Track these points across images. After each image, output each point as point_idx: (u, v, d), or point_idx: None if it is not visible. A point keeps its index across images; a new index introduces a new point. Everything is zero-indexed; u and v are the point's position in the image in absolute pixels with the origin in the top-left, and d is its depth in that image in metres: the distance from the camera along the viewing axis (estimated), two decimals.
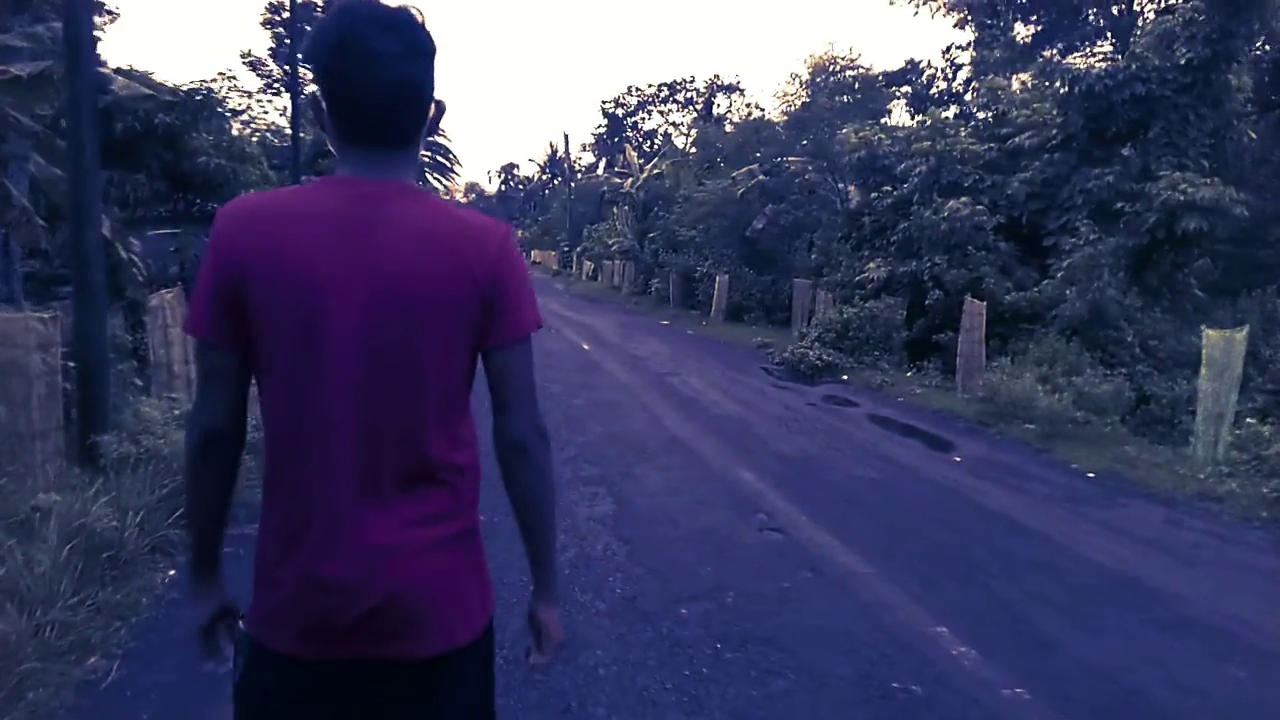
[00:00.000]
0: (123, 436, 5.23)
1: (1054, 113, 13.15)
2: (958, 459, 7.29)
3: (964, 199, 12.75)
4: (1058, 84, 13.01)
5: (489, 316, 1.32)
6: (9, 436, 4.96)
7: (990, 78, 16.32)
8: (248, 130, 22.57)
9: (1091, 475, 6.87)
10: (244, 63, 37.53)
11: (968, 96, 24.36)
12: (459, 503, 1.35)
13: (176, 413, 6.51)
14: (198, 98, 13.12)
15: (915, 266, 12.96)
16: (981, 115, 15.21)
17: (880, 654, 3.46)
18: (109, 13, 18.93)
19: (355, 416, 1.26)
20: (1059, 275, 11.39)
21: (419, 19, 1.31)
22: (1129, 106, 11.84)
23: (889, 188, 14.58)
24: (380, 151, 1.30)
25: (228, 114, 20.91)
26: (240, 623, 1.39)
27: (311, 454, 1.27)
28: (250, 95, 32.72)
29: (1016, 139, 13.84)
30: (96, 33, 19.92)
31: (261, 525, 1.34)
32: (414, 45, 1.28)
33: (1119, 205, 11.67)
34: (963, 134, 14.37)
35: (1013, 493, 6.20)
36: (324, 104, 1.30)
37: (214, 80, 31.55)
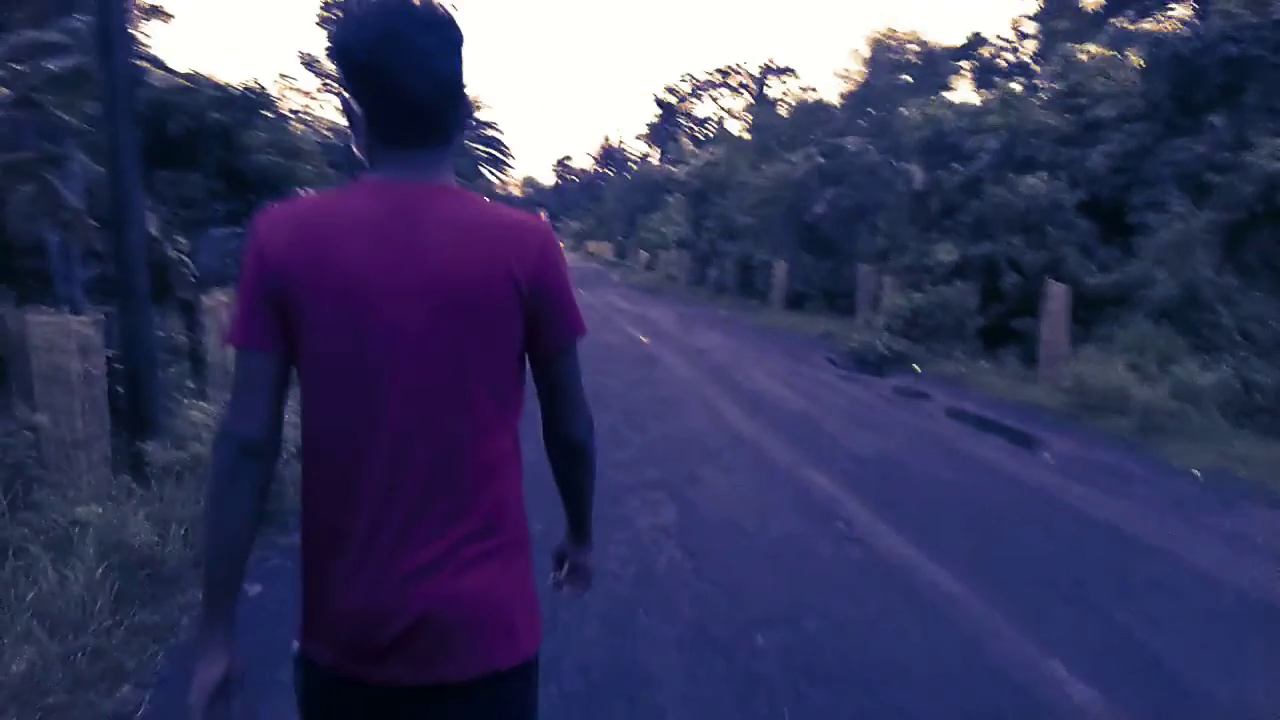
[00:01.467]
0: (168, 444, 5.06)
1: (1135, 80, 12.31)
2: (1048, 457, 6.76)
3: (1040, 175, 12.02)
4: (1132, 52, 12.21)
5: (535, 321, 1.30)
6: (52, 444, 4.81)
7: (1065, 45, 15.40)
8: (307, 129, 22.69)
9: (1199, 475, 6.28)
10: (302, 63, 38.05)
11: (1036, 68, 23.26)
12: (503, 518, 1.31)
13: None
14: (252, 95, 13.11)
15: (989, 248, 12.29)
16: (1054, 86, 14.37)
17: (987, 697, 3.04)
18: (163, 13, 19.11)
19: (400, 424, 1.24)
20: (1147, 255, 10.64)
21: (452, 14, 1.29)
22: (1219, 70, 10.97)
23: (957, 166, 13.88)
24: (421, 151, 1.28)
25: (288, 115, 21.05)
26: (295, 643, 1.34)
27: (352, 464, 1.25)
28: (310, 95, 33.11)
29: (1094, 110, 13.02)
30: (147, 31, 20.17)
31: (302, 539, 1.32)
32: (453, 41, 1.27)
33: (1211, 178, 10.84)
34: (1035, 106, 13.59)
35: (1114, 496, 5.66)
36: (359, 105, 1.27)
37: (274, 81, 31.95)
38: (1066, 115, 13.21)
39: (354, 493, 1.25)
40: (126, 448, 5.13)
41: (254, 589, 4.09)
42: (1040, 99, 14.06)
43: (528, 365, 1.37)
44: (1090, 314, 10.86)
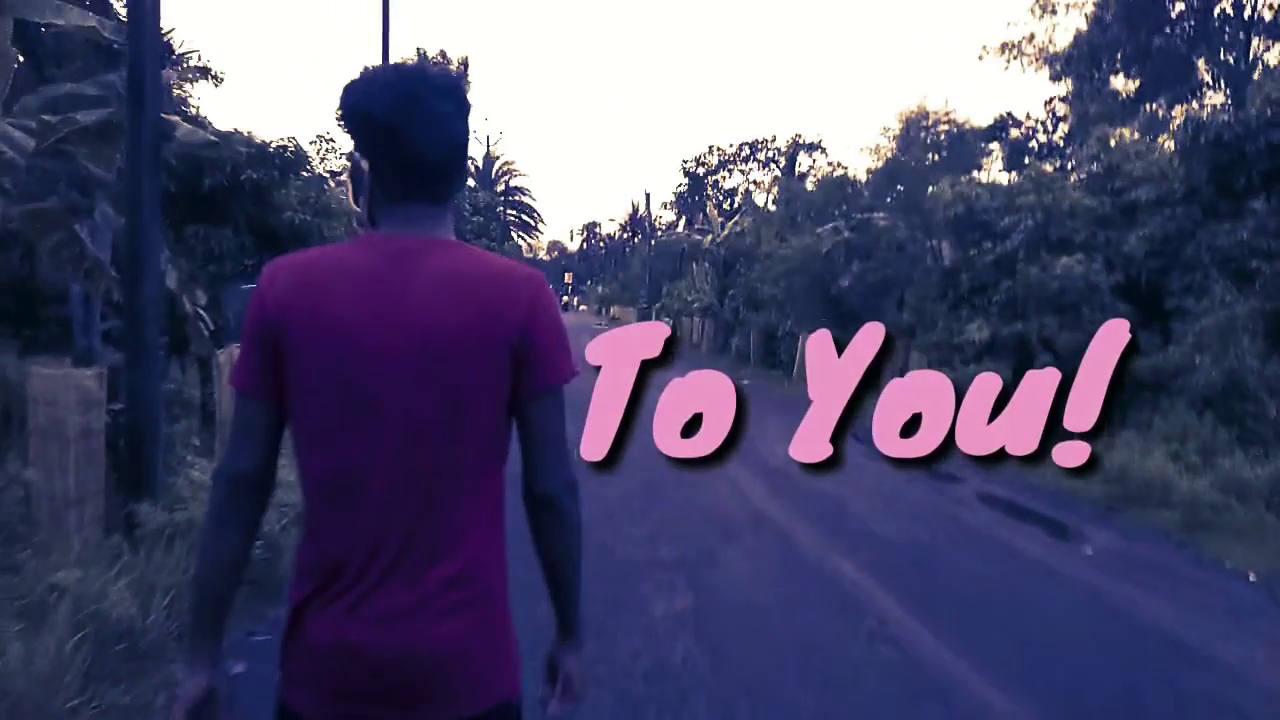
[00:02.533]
0: (163, 505, 4.84)
1: (1175, 163, 12.14)
2: (1089, 551, 6.37)
3: (1076, 256, 11.79)
4: (1164, 137, 12.07)
5: (520, 365, 1.30)
6: (44, 501, 4.61)
7: (1100, 127, 15.34)
8: (339, 189, 23.12)
9: (1254, 579, 5.86)
10: (341, 127, 38.93)
11: (1068, 150, 23.25)
12: (486, 565, 1.32)
13: None
14: (287, 153, 13.24)
15: (1022, 328, 12.01)
16: (1090, 168, 14.25)
17: None
18: (213, 76, 19.60)
19: (386, 470, 1.26)
20: (1188, 340, 10.31)
21: (461, 83, 1.41)
22: (1264, 156, 10.79)
23: (989, 244, 13.70)
24: (426, 207, 1.33)
25: (325, 175, 21.32)
26: (278, 689, 1.35)
27: (341, 510, 1.28)
28: (347, 157, 33.83)
29: (1132, 193, 12.84)
30: (194, 92, 20.61)
31: (293, 582, 1.33)
32: (463, 107, 1.33)
33: (1254, 264, 10.56)
34: (1071, 187, 13.44)
35: (1163, 599, 5.27)
36: (370, 163, 1.33)
37: (312, 142, 32.58)
38: (1103, 197, 13.04)
39: (341, 539, 1.28)
40: (121, 507, 4.92)
41: (237, 667, 3.82)
42: (1075, 180, 13.92)
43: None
44: (1127, 399, 10.49)
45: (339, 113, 1.39)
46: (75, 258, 6.93)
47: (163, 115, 5.49)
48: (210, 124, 12.13)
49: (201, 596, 1.35)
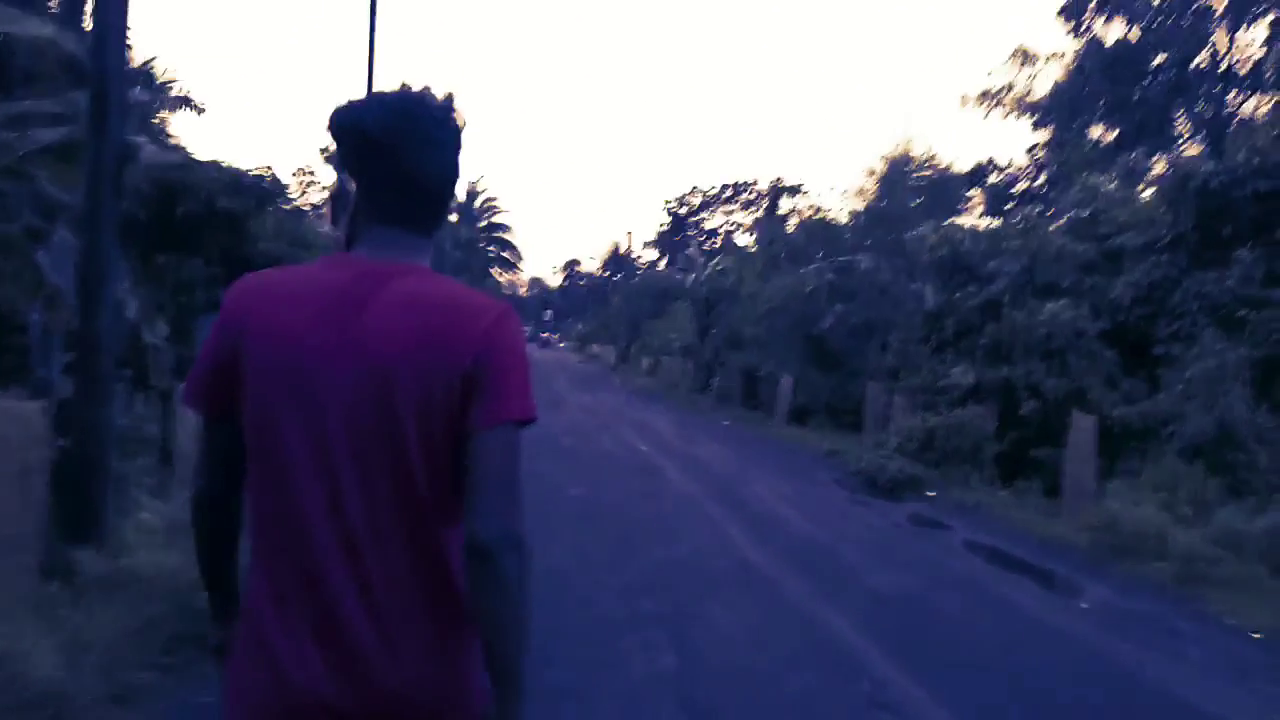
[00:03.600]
0: (104, 552, 4.49)
1: (1161, 210, 12.17)
2: (1084, 606, 6.13)
3: (1063, 301, 11.72)
4: (1142, 186, 12.13)
5: (469, 397, 1.21)
6: None
7: (1083, 174, 15.42)
8: (317, 219, 22.86)
9: (1258, 636, 5.63)
10: (324, 159, 38.83)
11: (1050, 195, 23.46)
12: (454, 591, 1.24)
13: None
14: (264, 183, 12.98)
15: (1007, 373, 11.88)
16: (1076, 213, 14.28)
17: None
18: (195, 107, 19.38)
19: (337, 497, 1.21)
20: (1177, 388, 10.20)
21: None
22: (1249, 203, 10.81)
23: (974, 288, 13.64)
24: (408, 235, 1.31)
25: (307, 210, 21.01)
26: None
27: (287, 541, 1.23)
28: (333, 183, 33.59)
29: (1116, 239, 12.85)
30: (172, 120, 20.35)
31: (242, 612, 1.30)
32: (458, 137, 1.33)
33: (1242, 312, 10.52)
34: (1056, 233, 13.44)
35: (1168, 659, 5.02)
36: (358, 182, 1.31)
37: (294, 174, 32.31)
38: (1088, 243, 13.04)
39: (291, 569, 1.23)
40: (63, 553, 4.56)
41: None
42: (1058, 226, 13.94)
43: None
44: (1114, 446, 10.34)
45: (331, 128, 1.32)
46: (33, 285, 6.61)
47: (130, 137, 5.22)
48: (187, 152, 11.86)
49: (207, 583, 1.44)
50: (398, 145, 1.27)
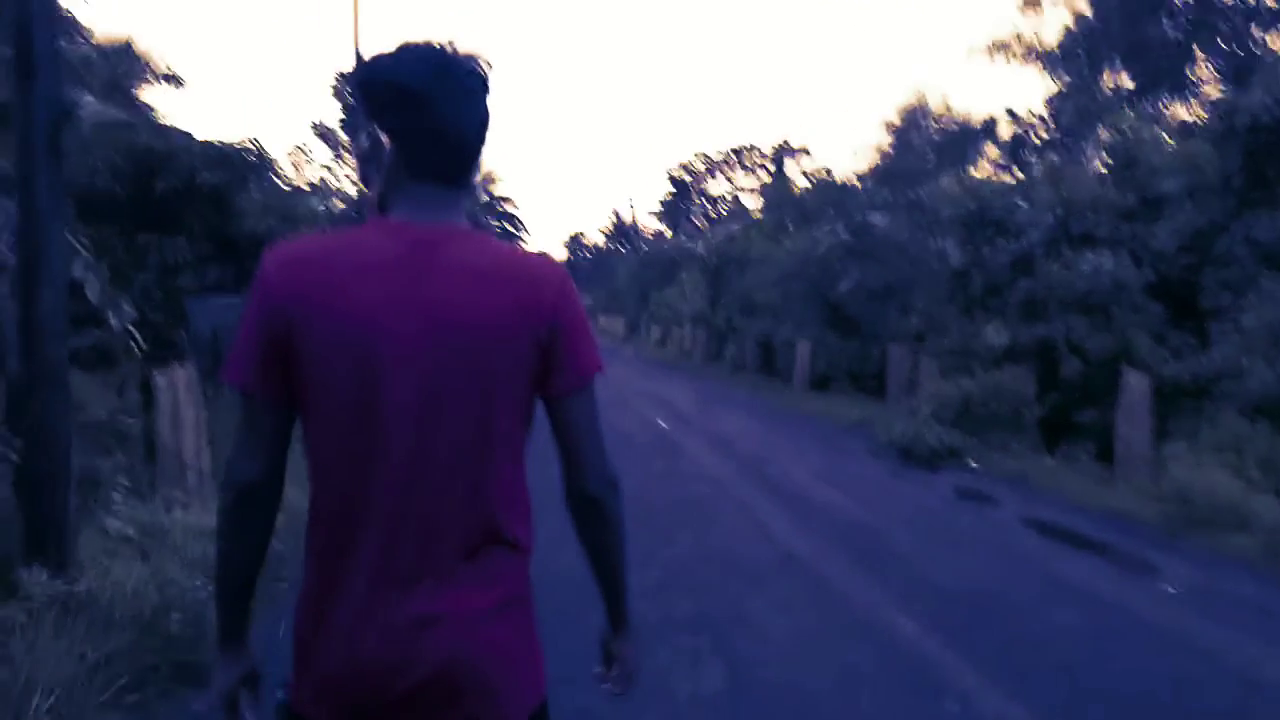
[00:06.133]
0: (57, 570, 3.86)
1: (1205, 151, 11.35)
2: (1170, 589, 5.48)
3: (1104, 252, 10.97)
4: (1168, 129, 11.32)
5: (549, 362, 1.29)
6: None
7: (1114, 117, 14.55)
8: (311, 193, 22.14)
9: None
10: (316, 134, 37.93)
11: (1068, 144, 22.54)
12: (512, 567, 1.30)
13: (171, 521, 5.18)
14: (249, 155, 12.27)
15: (1044, 331, 11.16)
16: (1107, 160, 13.47)
17: None
18: (174, 80, 18.61)
19: (407, 471, 1.23)
20: (1232, 341, 9.48)
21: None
22: None
23: (1001, 242, 12.87)
24: (445, 190, 1.31)
25: (305, 188, 20.20)
26: (280, 691, 1.31)
27: (359, 510, 1.24)
28: (328, 168, 32.81)
29: (1155, 185, 12.04)
30: (154, 95, 19.59)
31: (303, 590, 1.30)
32: (488, 87, 1.33)
33: None
34: (1089, 181, 12.65)
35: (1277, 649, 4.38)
36: (391, 137, 1.29)
37: (288, 154, 31.54)
38: (1125, 190, 12.24)
39: (358, 540, 1.23)
40: (8, 573, 3.94)
41: None
42: (1091, 172, 13.13)
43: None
44: (1167, 407, 9.65)
45: (362, 82, 1.31)
46: None
47: (70, 93, 4.52)
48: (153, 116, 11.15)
49: (221, 604, 1.36)
50: (435, 96, 1.25)
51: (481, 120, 1.31)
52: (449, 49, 1.30)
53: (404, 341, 1.21)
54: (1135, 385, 8.78)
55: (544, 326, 1.26)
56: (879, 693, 3.70)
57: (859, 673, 3.90)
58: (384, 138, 1.29)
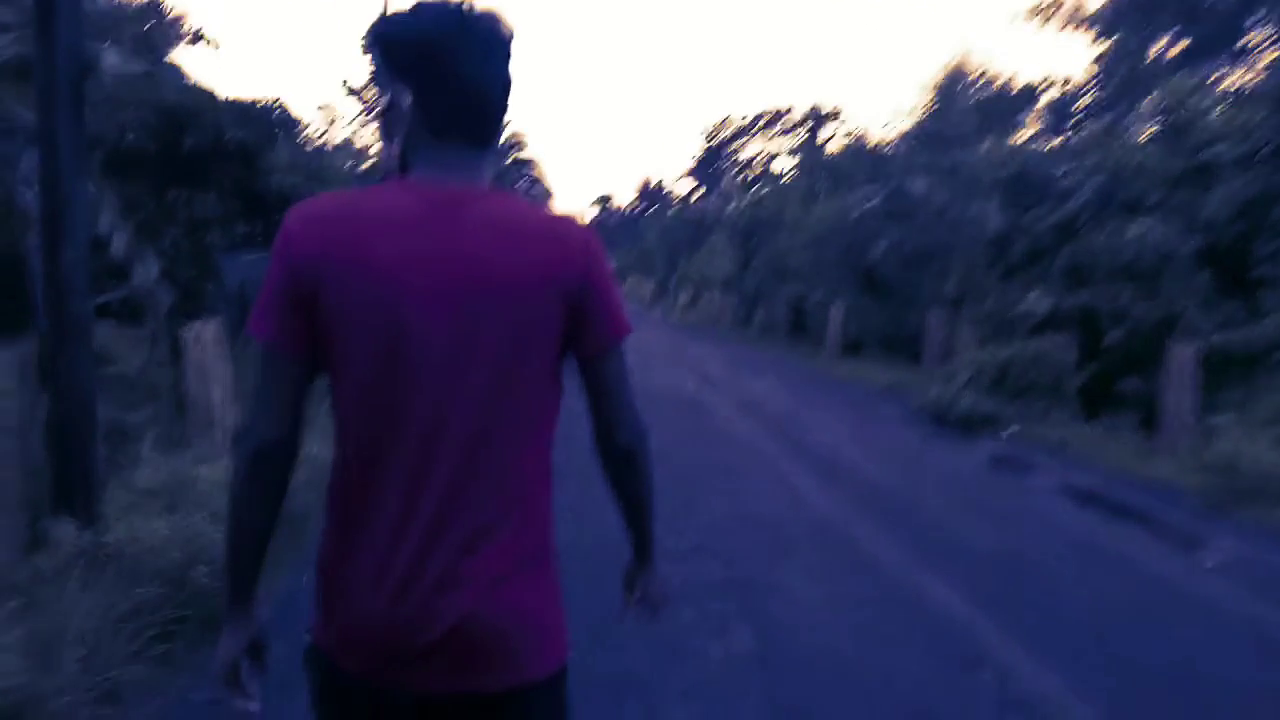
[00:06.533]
0: (87, 522, 3.85)
1: (1262, 116, 10.89)
2: (1211, 561, 5.31)
3: (1151, 219, 10.60)
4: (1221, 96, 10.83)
5: (580, 322, 1.28)
6: None
7: (1172, 80, 14.00)
8: (338, 152, 22.09)
9: None
10: (347, 93, 37.83)
11: (1115, 110, 21.82)
12: (537, 525, 1.30)
13: (199, 475, 5.15)
14: (274, 113, 12.22)
15: (1087, 298, 10.85)
16: (1156, 125, 13.00)
17: None
18: (203, 39, 18.52)
19: (433, 428, 1.22)
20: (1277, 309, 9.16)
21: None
22: None
23: (1045, 207, 12.50)
24: (468, 149, 1.28)
25: (334, 147, 20.16)
26: (308, 634, 1.32)
27: (382, 467, 1.24)
28: (356, 126, 32.74)
29: (1208, 151, 11.59)
30: (187, 56, 19.55)
31: (323, 545, 1.31)
32: (509, 43, 1.30)
33: None
34: (1137, 145, 12.21)
35: None
36: (413, 92, 1.26)
37: (318, 110, 31.48)
38: (1176, 156, 11.80)
39: (381, 497, 1.23)
40: (40, 525, 3.95)
41: (252, 706, 2.90)
42: (1143, 136, 12.68)
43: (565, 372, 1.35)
44: (1214, 377, 9.36)
45: (383, 38, 1.26)
46: (14, 217, 5.94)
47: (91, 44, 4.43)
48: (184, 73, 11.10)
49: (231, 568, 1.32)
50: (455, 48, 1.23)
51: (504, 81, 1.28)
52: (464, 6, 1.28)
53: (430, 297, 1.20)
54: (1181, 354, 8.50)
55: (574, 285, 1.25)
56: (912, 657, 3.60)
57: (893, 639, 3.80)
58: (404, 96, 1.27)
